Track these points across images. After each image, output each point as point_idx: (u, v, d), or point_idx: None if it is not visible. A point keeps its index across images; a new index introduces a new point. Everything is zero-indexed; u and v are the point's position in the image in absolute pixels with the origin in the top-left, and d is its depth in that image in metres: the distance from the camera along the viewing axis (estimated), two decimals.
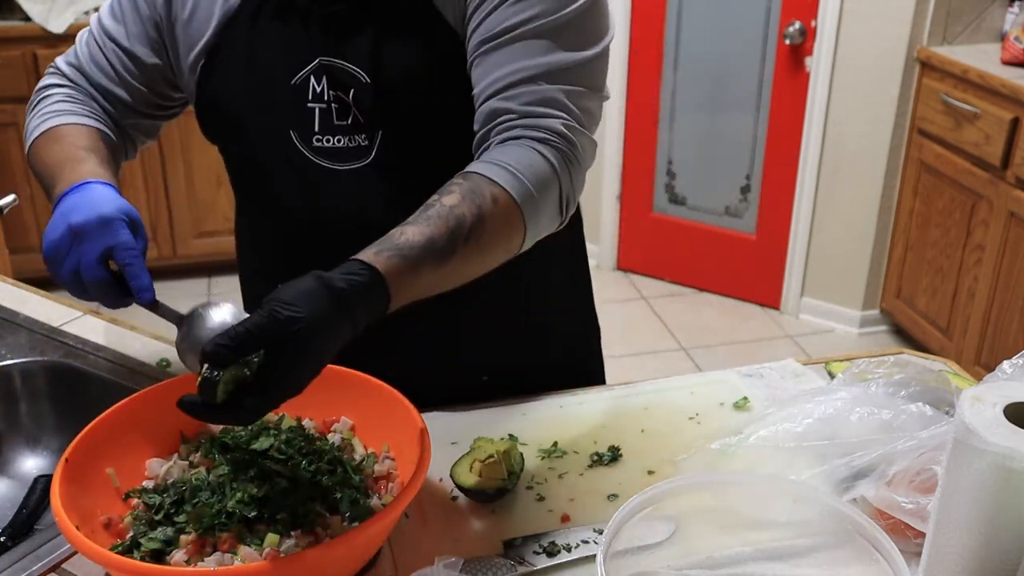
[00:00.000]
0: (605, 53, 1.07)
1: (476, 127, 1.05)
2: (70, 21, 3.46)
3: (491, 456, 1.04)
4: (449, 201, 0.94)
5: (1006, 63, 3.02)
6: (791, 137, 3.55)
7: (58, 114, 1.16)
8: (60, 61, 1.23)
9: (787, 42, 3.44)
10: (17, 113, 3.49)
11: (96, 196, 0.98)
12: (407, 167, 1.11)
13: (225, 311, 0.95)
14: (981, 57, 3.07)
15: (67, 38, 3.42)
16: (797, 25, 3.40)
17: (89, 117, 1.18)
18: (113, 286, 0.97)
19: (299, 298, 0.81)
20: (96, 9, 3.51)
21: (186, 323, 0.95)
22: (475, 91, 1.05)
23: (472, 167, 1.00)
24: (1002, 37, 3.15)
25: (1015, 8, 3.18)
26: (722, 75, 3.64)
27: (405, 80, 1.08)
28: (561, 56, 1.02)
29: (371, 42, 1.07)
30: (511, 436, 1.16)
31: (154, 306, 0.96)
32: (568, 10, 1.02)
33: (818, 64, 3.39)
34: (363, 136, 1.10)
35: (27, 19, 3.45)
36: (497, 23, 1.03)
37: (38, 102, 1.20)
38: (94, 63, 1.20)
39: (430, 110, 1.10)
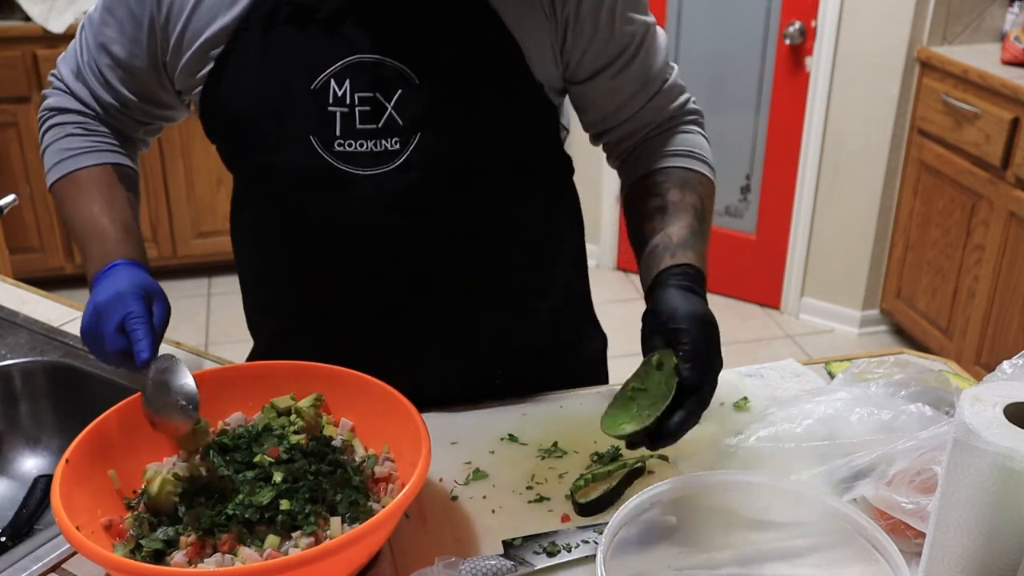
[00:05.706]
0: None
1: (616, 138, 1.21)
2: (70, 21, 3.46)
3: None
4: (674, 197, 1.14)
5: (1006, 63, 3.02)
6: (791, 137, 3.55)
7: (74, 154, 1.17)
8: (64, 70, 1.20)
9: (787, 42, 3.44)
10: (17, 113, 3.49)
11: (118, 276, 1.07)
12: (435, 171, 1.09)
13: (179, 371, 1.00)
14: (981, 57, 3.07)
15: (67, 38, 3.41)
16: (797, 25, 3.40)
17: (104, 152, 1.19)
18: (131, 354, 1.02)
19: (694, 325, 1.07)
20: None
21: (152, 385, 1.00)
22: (597, 114, 1.20)
23: (663, 163, 1.17)
24: (1002, 37, 3.15)
25: (1015, 8, 3.18)
26: (722, 75, 3.64)
27: (455, 81, 1.07)
28: (655, 65, 1.19)
29: (425, 42, 1.06)
30: (511, 436, 1.16)
31: (145, 365, 1.01)
32: (645, 23, 1.15)
33: (818, 64, 3.39)
34: (394, 140, 1.07)
35: (27, 19, 3.45)
36: (600, 58, 1.13)
37: (48, 128, 1.20)
38: (91, 71, 1.17)
39: (474, 112, 1.08)
